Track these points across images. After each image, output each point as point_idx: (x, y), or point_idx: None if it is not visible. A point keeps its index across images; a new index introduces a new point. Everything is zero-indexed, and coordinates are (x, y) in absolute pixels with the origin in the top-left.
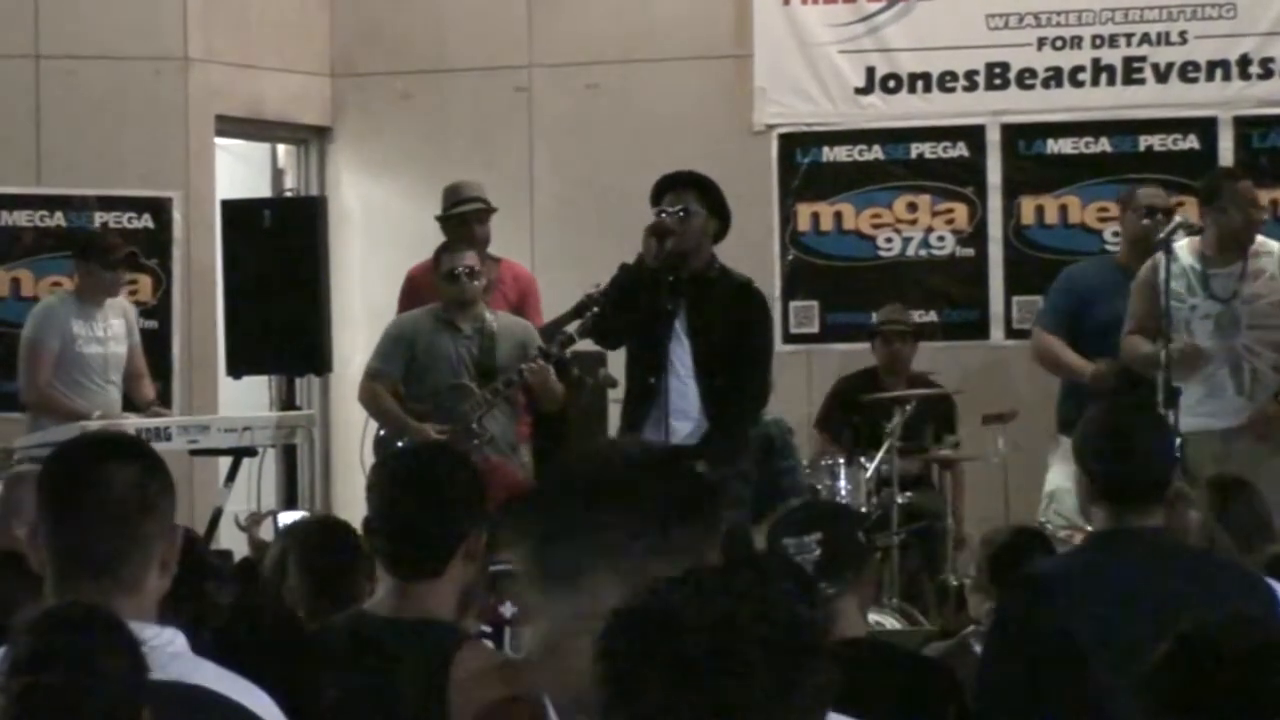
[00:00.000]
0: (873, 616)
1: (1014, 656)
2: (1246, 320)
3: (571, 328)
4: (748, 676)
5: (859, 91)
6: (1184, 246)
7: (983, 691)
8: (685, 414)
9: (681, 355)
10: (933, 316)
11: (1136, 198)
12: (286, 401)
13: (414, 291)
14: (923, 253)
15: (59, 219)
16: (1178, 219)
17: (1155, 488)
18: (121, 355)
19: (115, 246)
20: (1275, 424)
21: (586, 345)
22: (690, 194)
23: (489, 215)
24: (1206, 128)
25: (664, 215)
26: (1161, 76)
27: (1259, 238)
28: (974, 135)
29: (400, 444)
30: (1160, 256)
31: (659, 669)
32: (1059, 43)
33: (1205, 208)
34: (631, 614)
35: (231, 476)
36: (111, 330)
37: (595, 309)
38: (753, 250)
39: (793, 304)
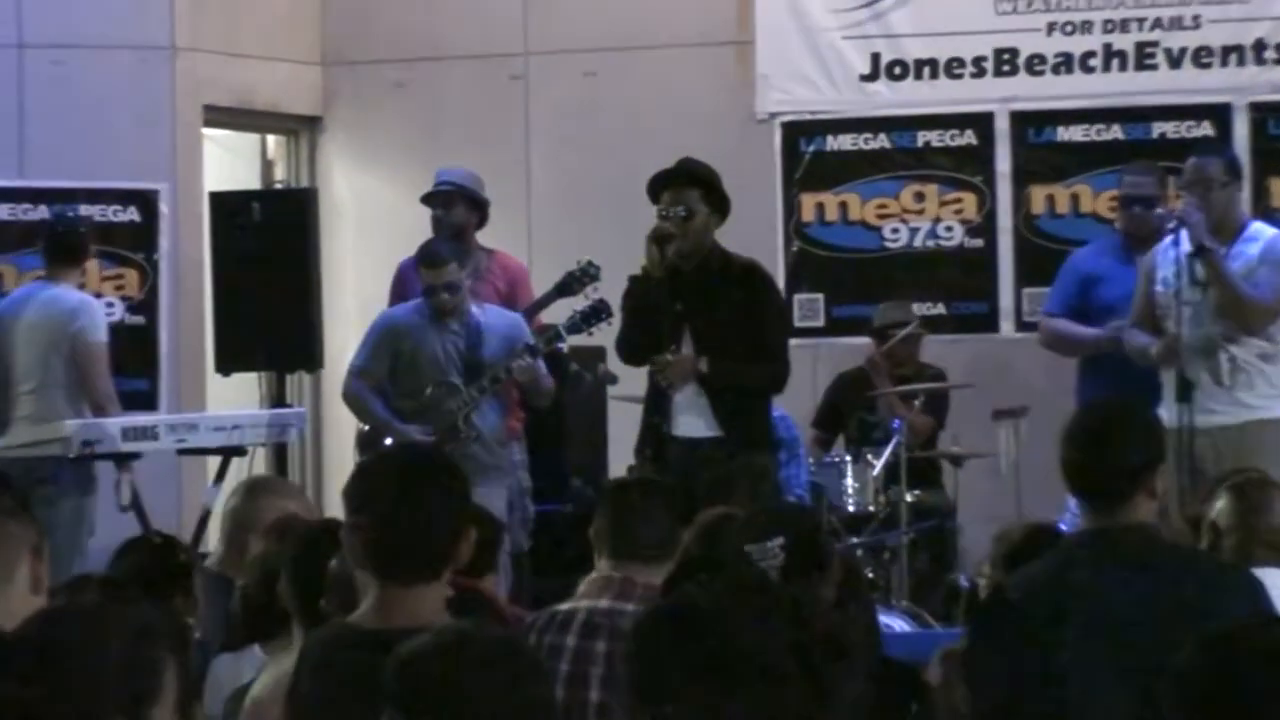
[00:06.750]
0: (881, 619)
1: (992, 670)
2: (1218, 308)
3: (561, 323)
4: (783, 682)
5: (864, 79)
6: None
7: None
8: (698, 410)
9: (689, 353)
10: (941, 309)
11: (1121, 186)
12: (277, 399)
13: (404, 285)
14: (930, 244)
15: (43, 212)
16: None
17: (1123, 485)
18: None
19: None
20: None
21: (584, 340)
22: (690, 192)
23: (459, 199)
24: (1221, 114)
25: (665, 215)
26: (1174, 62)
27: (1256, 224)
28: (982, 123)
29: (387, 443)
30: (1158, 246)
31: (692, 672)
32: (1069, 28)
33: None
34: (664, 615)
35: (220, 476)
36: None
37: (587, 294)
38: (756, 241)
39: (797, 297)
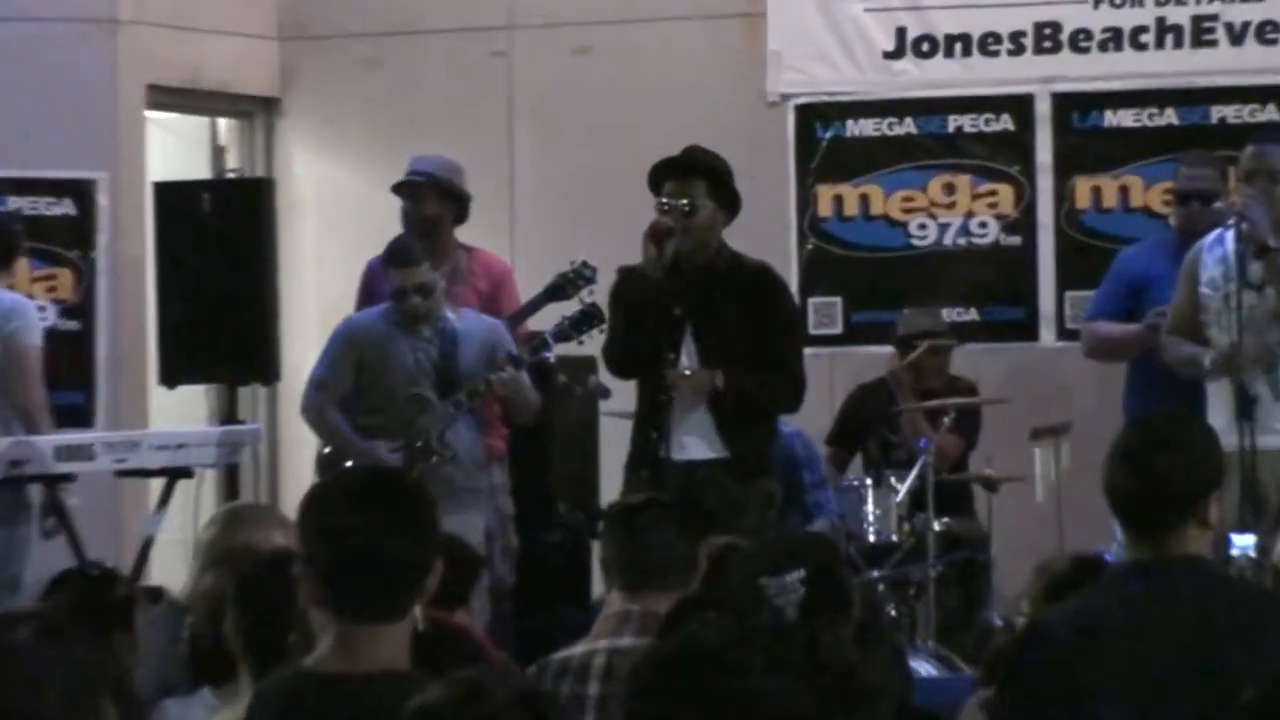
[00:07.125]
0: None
1: (1025, 717)
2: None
3: (547, 331)
4: None
5: (888, 56)
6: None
7: None
8: (701, 430)
9: (691, 363)
10: (973, 315)
11: (1176, 178)
12: (228, 414)
13: (373, 287)
14: (962, 242)
15: None
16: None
17: (1172, 513)
18: None
19: None
20: None
21: (574, 349)
22: (696, 184)
23: (431, 190)
24: None
25: (665, 207)
26: (1236, 38)
27: None
28: (1021, 106)
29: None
30: (1202, 242)
31: (697, 714)
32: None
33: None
34: (667, 657)
35: (164, 501)
36: None
37: (581, 299)
38: (766, 239)
39: (812, 300)
